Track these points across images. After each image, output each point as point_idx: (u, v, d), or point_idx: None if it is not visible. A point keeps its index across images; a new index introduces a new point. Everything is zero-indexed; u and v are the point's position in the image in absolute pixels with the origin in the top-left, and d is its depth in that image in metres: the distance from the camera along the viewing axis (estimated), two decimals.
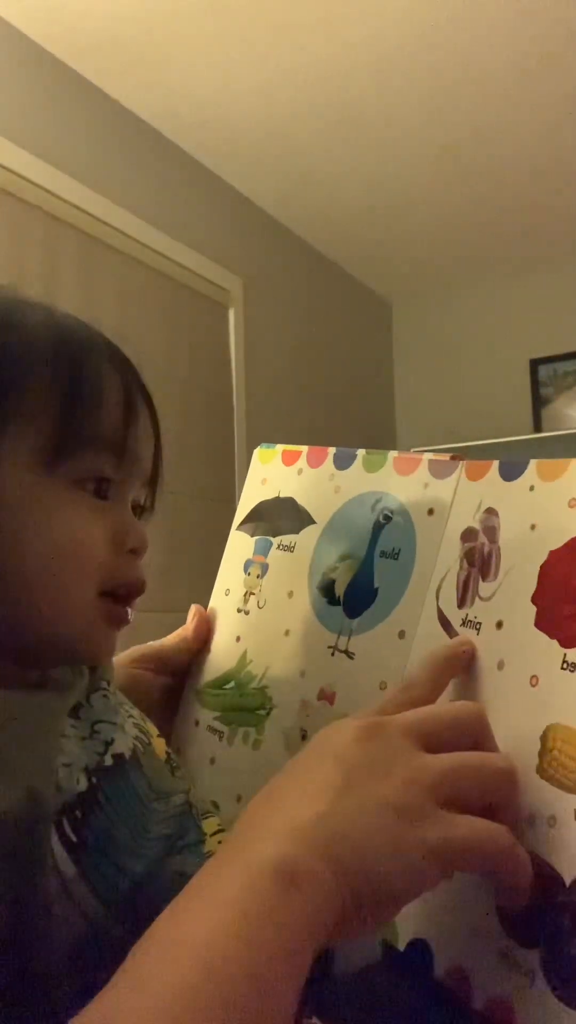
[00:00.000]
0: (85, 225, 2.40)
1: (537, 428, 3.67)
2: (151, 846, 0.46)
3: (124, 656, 0.66)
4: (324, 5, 2.21)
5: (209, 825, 0.52)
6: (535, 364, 3.71)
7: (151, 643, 0.67)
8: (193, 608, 0.68)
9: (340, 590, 0.58)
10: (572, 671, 0.43)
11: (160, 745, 0.54)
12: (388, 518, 0.57)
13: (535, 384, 3.71)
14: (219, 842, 0.51)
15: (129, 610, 0.51)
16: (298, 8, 2.22)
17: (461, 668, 0.48)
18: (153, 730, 0.55)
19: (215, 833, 0.52)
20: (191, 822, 0.51)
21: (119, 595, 0.50)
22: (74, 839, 0.42)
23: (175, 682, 0.67)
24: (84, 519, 0.48)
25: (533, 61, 2.42)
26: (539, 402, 3.70)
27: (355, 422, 3.68)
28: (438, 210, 3.24)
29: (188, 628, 0.67)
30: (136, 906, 0.44)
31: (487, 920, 0.42)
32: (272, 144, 2.82)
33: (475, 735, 0.44)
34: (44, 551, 0.47)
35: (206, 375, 2.84)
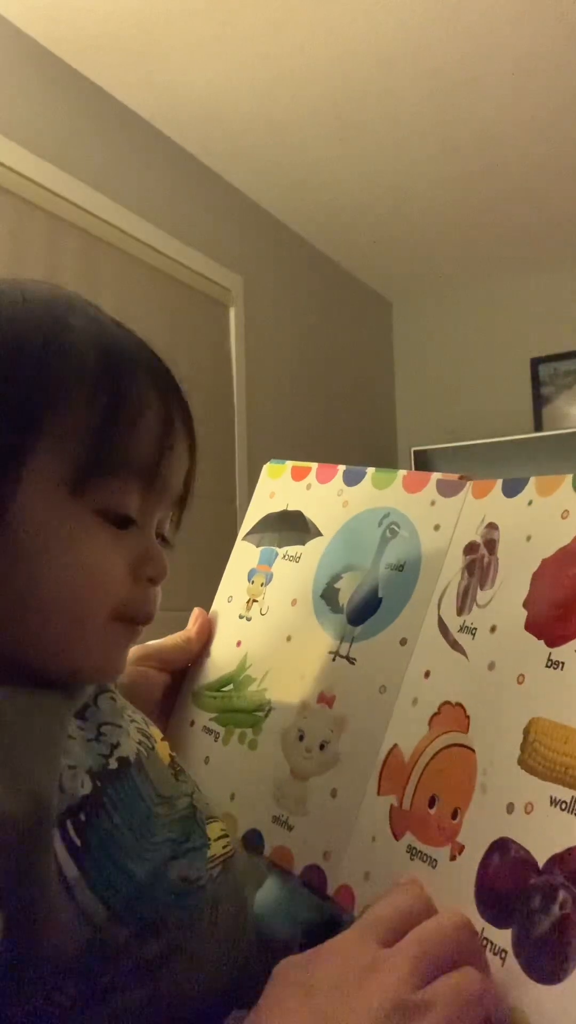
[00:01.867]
0: (86, 224, 2.40)
1: (538, 427, 3.67)
2: (155, 850, 0.46)
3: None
4: (325, 4, 2.21)
5: (213, 829, 0.52)
6: (536, 363, 3.71)
7: (152, 642, 0.67)
8: (196, 611, 0.69)
9: (344, 599, 0.60)
10: (556, 668, 0.46)
11: (164, 749, 0.54)
12: (395, 532, 0.59)
13: (536, 383, 3.71)
14: (223, 847, 0.52)
15: (141, 628, 0.51)
16: (299, 7, 2.22)
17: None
18: (157, 734, 0.55)
19: (219, 838, 0.52)
20: (195, 826, 0.51)
21: (128, 621, 0.50)
22: (77, 842, 0.42)
23: (175, 681, 0.67)
24: (104, 547, 0.47)
25: (534, 61, 2.42)
26: (540, 401, 3.71)
27: (356, 421, 3.68)
28: (439, 209, 3.23)
29: (191, 630, 0.68)
30: (139, 909, 0.44)
31: (466, 904, 0.45)
32: (273, 143, 2.82)
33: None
34: (61, 577, 0.46)
35: (207, 374, 2.84)
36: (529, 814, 0.44)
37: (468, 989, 0.40)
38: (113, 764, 0.47)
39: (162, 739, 0.55)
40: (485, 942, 0.43)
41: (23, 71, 2.27)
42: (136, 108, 2.63)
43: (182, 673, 0.68)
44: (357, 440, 3.63)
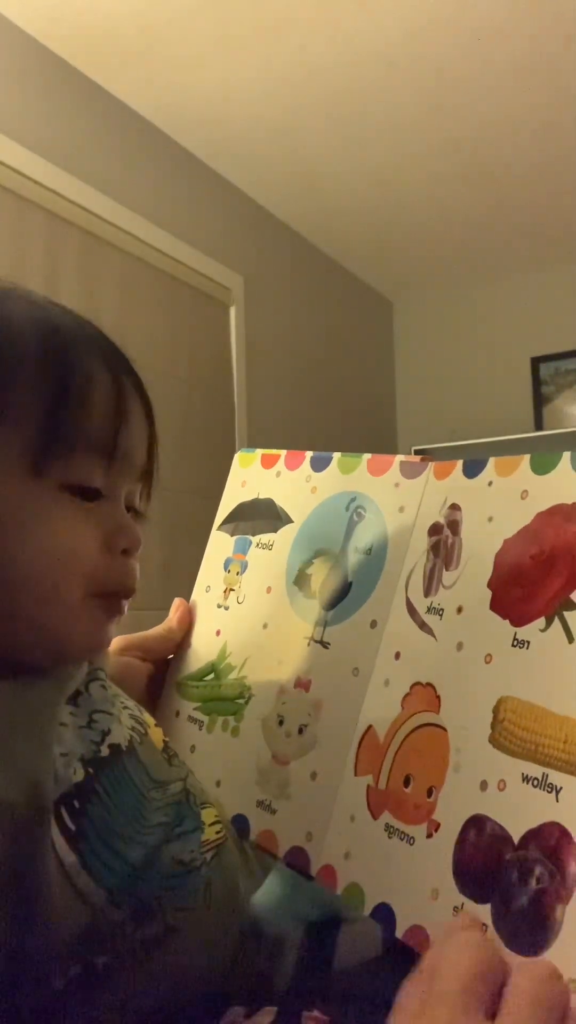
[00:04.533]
0: (86, 223, 2.41)
1: (538, 426, 3.68)
2: (149, 834, 0.47)
3: (111, 646, 0.67)
4: (325, 4, 2.21)
5: (208, 814, 0.53)
6: (536, 362, 3.71)
7: (135, 633, 0.68)
8: (176, 600, 0.70)
9: (316, 584, 0.61)
10: (521, 647, 0.47)
11: (157, 735, 0.55)
12: (361, 516, 0.60)
13: (536, 382, 3.72)
14: (217, 832, 0.53)
15: (124, 601, 0.51)
16: (299, 6, 2.22)
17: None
18: (150, 720, 0.56)
19: (213, 823, 0.53)
20: (188, 810, 0.52)
21: (109, 596, 0.50)
22: (72, 828, 0.43)
23: (159, 671, 0.68)
24: (73, 524, 0.47)
25: (534, 60, 2.42)
26: (540, 400, 3.71)
27: (356, 420, 3.68)
28: (439, 208, 3.24)
29: (172, 619, 0.69)
30: (135, 892, 0.45)
31: (445, 881, 0.46)
32: (274, 142, 2.82)
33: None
34: (32, 558, 0.46)
35: (207, 373, 2.84)
36: (502, 791, 0.45)
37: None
38: (105, 751, 0.48)
39: (155, 725, 0.56)
40: (466, 918, 0.44)
41: (24, 70, 2.28)
42: (137, 107, 2.63)
43: (165, 662, 0.69)
44: (357, 440, 3.63)
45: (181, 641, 0.69)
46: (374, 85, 2.54)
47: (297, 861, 0.55)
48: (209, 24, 2.28)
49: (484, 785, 0.46)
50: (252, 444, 3.00)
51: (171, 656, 0.69)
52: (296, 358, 3.35)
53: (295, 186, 3.09)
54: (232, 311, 2.99)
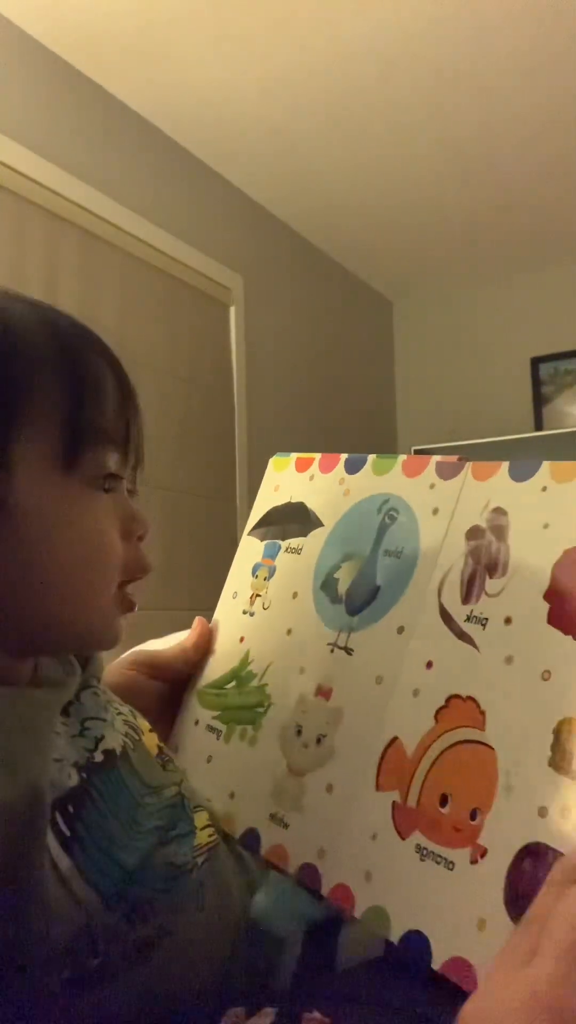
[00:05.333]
0: (85, 223, 2.40)
1: (538, 426, 3.67)
2: (143, 838, 0.48)
3: (122, 658, 0.67)
4: (325, 4, 2.21)
5: (200, 819, 0.53)
6: (536, 362, 3.71)
7: (150, 648, 0.68)
8: (197, 620, 0.69)
9: (343, 588, 0.59)
10: None
11: (152, 740, 0.55)
12: (393, 518, 0.58)
13: (536, 382, 3.71)
14: (209, 835, 0.53)
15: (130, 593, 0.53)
16: (299, 7, 2.22)
17: None
18: (145, 725, 0.56)
19: (205, 827, 0.53)
20: (182, 814, 0.52)
21: (130, 581, 0.51)
22: (67, 833, 0.44)
23: (168, 689, 0.67)
24: (102, 516, 0.49)
25: (534, 60, 2.42)
26: (540, 400, 3.70)
27: (356, 420, 3.68)
28: (439, 208, 3.23)
29: (189, 641, 0.67)
30: (129, 894, 0.45)
31: (495, 911, 0.43)
32: (273, 141, 2.82)
33: None
34: (72, 553, 0.47)
35: (207, 373, 2.84)
36: (566, 818, 0.42)
37: None
38: (99, 757, 0.48)
39: (149, 730, 0.56)
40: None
41: (24, 70, 2.27)
42: (137, 107, 2.63)
43: (177, 681, 0.67)
44: (357, 440, 3.62)
45: (195, 663, 0.67)
46: (374, 85, 2.54)
47: (308, 879, 0.52)
48: (209, 24, 2.27)
49: (543, 811, 0.43)
50: (252, 445, 3.01)
51: (183, 675, 0.67)
52: (296, 358, 3.34)
53: (295, 186, 3.09)
54: (232, 311, 2.99)
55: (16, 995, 0.40)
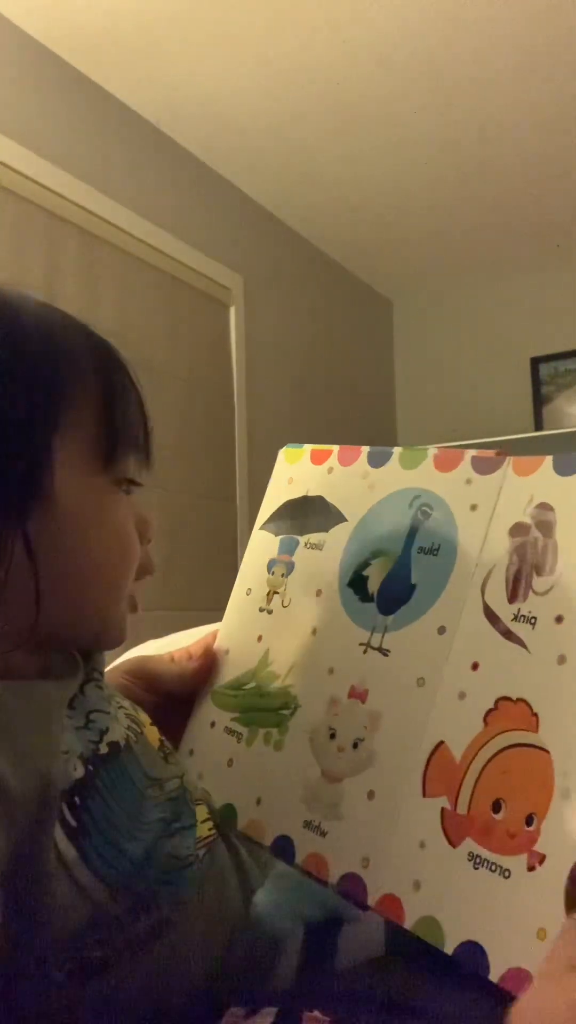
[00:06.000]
0: (86, 223, 2.40)
1: (538, 426, 3.67)
2: (147, 829, 0.48)
3: (116, 665, 0.66)
4: (325, 4, 2.21)
5: (200, 812, 0.54)
6: (536, 362, 3.71)
7: (150, 659, 0.67)
8: (202, 642, 0.66)
9: (374, 587, 0.57)
10: None
11: (153, 733, 0.56)
12: (427, 514, 0.56)
13: (536, 382, 3.71)
14: (209, 829, 0.54)
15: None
16: (299, 7, 2.22)
17: None
18: (145, 719, 0.56)
19: (204, 821, 0.54)
20: (185, 806, 0.53)
21: (139, 579, 0.54)
22: (73, 824, 0.44)
23: (163, 701, 0.65)
24: (126, 516, 0.51)
25: (535, 60, 2.42)
26: (540, 400, 3.71)
27: (356, 420, 3.68)
28: (439, 208, 3.23)
29: (189, 668, 0.65)
30: (134, 886, 0.46)
31: (557, 920, 0.41)
32: (273, 142, 2.82)
33: None
34: (105, 552, 0.50)
35: (207, 373, 2.84)
36: None
37: None
38: (104, 748, 0.49)
39: (150, 724, 0.57)
40: None
41: (24, 70, 2.27)
42: (137, 107, 2.63)
43: (172, 696, 0.65)
44: (357, 439, 3.61)
45: (195, 684, 0.64)
46: (375, 86, 2.54)
47: (352, 890, 0.50)
48: (209, 23, 2.27)
49: None
50: (252, 444, 3.01)
51: (176, 695, 0.65)
52: (296, 358, 3.34)
53: (296, 186, 3.09)
54: (232, 311, 2.99)
55: (21, 985, 0.41)
